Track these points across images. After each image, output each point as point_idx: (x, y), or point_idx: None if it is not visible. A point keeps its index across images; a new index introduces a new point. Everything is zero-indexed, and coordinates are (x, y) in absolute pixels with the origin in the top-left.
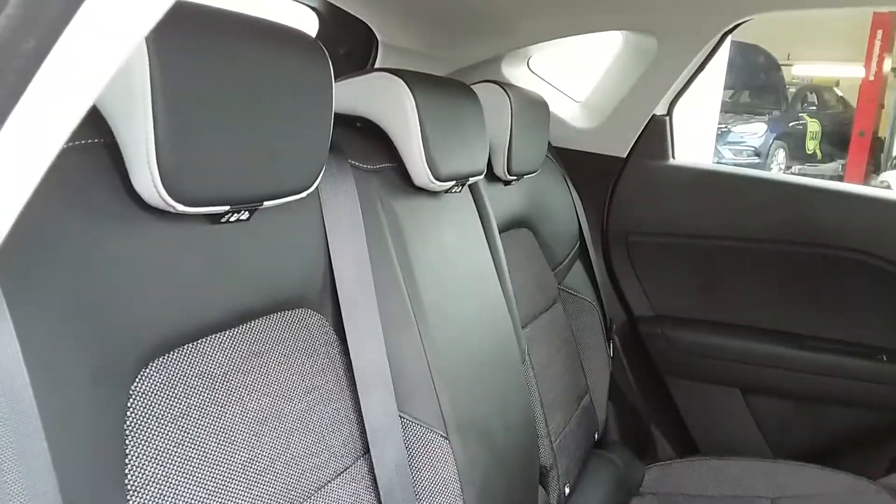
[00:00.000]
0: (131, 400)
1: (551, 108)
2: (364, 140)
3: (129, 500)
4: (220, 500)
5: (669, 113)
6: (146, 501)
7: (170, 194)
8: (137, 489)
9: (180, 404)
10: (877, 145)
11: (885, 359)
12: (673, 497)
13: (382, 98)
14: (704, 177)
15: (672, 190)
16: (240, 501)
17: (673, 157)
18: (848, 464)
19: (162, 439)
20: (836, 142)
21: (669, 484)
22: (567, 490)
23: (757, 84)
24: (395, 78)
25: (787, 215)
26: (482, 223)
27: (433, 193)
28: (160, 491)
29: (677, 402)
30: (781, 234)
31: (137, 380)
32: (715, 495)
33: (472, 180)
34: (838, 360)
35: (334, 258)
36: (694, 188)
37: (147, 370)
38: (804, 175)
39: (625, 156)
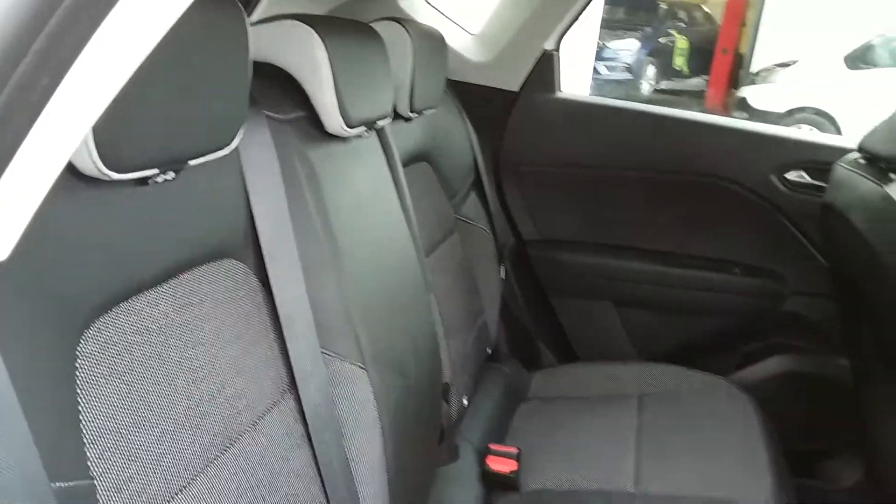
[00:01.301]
0: (78, 361)
1: (446, 41)
2: (276, 89)
3: (87, 454)
4: (167, 445)
5: (558, 47)
6: (102, 452)
7: (105, 164)
8: (93, 442)
9: (123, 361)
10: (738, 62)
11: (738, 272)
12: (555, 399)
13: (294, 47)
14: (589, 109)
15: (560, 122)
16: (184, 444)
17: (560, 90)
18: (705, 364)
19: (110, 395)
20: (703, 58)
21: (552, 388)
22: (465, 402)
23: (631, 1)
24: (307, 27)
25: (660, 145)
26: (388, 163)
27: (344, 139)
28: (113, 442)
29: (560, 316)
30: (655, 162)
31: (81, 342)
32: (590, 395)
33: (379, 124)
34: (699, 275)
35: (255, 209)
36: (579, 121)
37: (89, 331)
38: (671, 90)
39: (517, 90)
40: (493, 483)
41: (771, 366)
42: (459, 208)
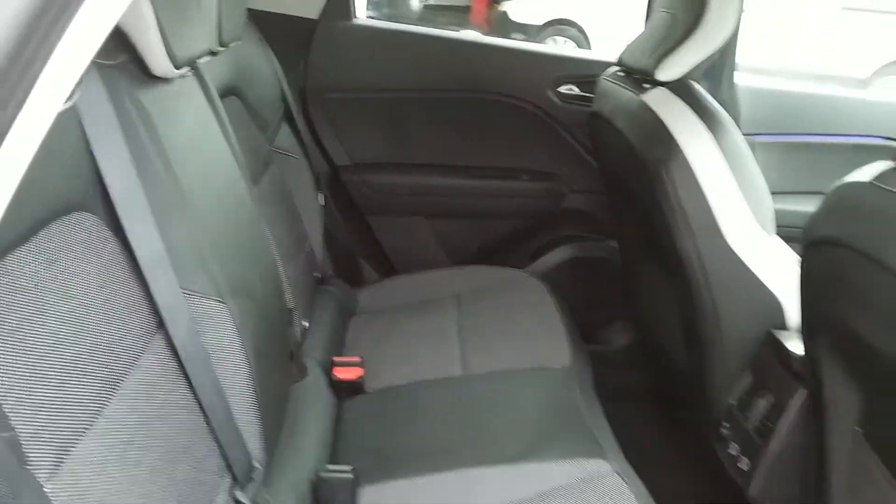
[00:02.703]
0: None
1: None
2: None
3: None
4: (63, 394)
5: None
6: (14, 406)
7: None
8: (4, 396)
9: (9, 320)
10: None
11: (525, 178)
12: (382, 310)
13: None
14: (385, 36)
15: (359, 49)
16: (79, 391)
17: (356, 17)
18: (505, 260)
19: (6, 353)
20: None
21: (378, 301)
22: (306, 324)
23: None
24: None
25: (451, 67)
26: (208, 100)
27: (169, 80)
28: (19, 395)
29: (378, 234)
30: (448, 83)
31: None
32: (414, 302)
33: (200, 61)
34: (493, 184)
35: (99, 159)
36: (377, 47)
37: None
38: (439, 6)
39: (317, 17)
40: (343, 390)
41: (558, 255)
42: (273, 140)
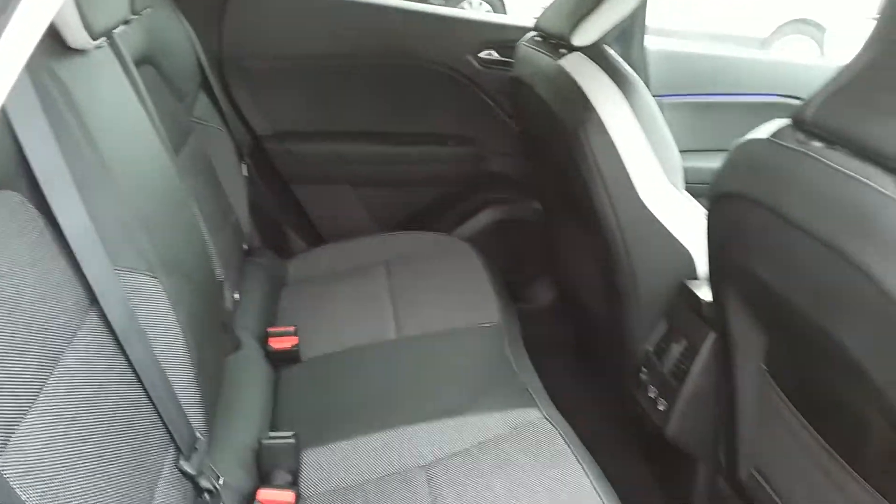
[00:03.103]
0: None
1: None
2: None
3: None
4: (3, 376)
5: None
6: None
7: None
8: None
9: None
10: None
11: (449, 144)
12: (313, 279)
13: None
14: (301, 2)
15: (277, 15)
16: (18, 373)
17: None
18: (432, 225)
19: None
20: None
21: (308, 270)
22: (236, 296)
23: None
24: None
25: (370, 34)
26: (125, 71)
27: (86, 52)
28: None
29: (304, 204)
30: (368, 49)
31: None
32: (344, 270)
33: (116, 31)
34: (417, 150)
35: (20, 136)
36: (294, 13)
37: None
38: None
39: None
40: (279, 359)
41: (483, 218)
42: (192, 110)
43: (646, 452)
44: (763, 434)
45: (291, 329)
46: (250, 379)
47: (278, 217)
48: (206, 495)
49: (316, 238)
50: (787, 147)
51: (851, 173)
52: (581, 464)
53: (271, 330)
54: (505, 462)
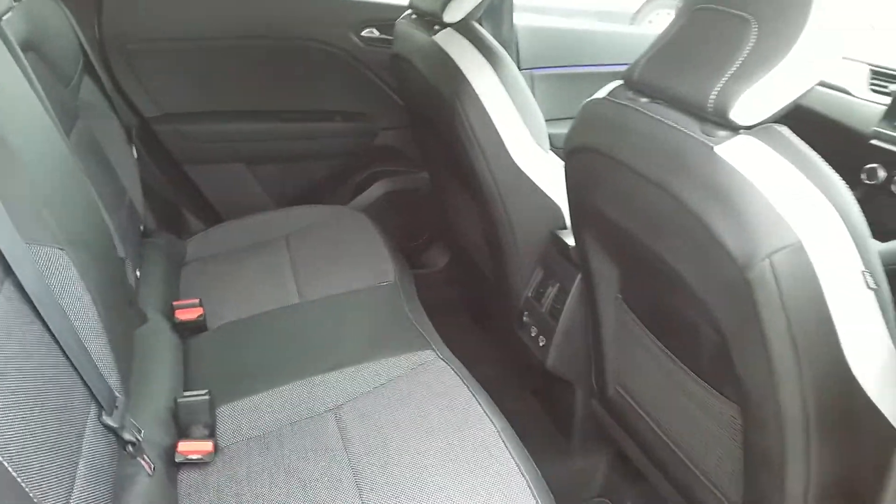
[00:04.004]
0: None
1: None
2: None
3: None
4: None
5: None
6: None
7: None
8: None
9: None
10: None
11: (338, 119)
12: (214, 256)
13: None
14: None
15: None
16: None
17: None
18: (327, 199)
19: None
20: None
21: (208, 248)
22: (138, 273)
23: None
24: None
25: (253, 13)
26: (13, 56)
27: None
28: None
29: (199, 184)
30: (252, 29)
31: None
32: (243, 246)
33: (5, 18)
34: (309, 126)
35: None
36: None
37: None
38: None
39: None
40: (186, 329)
41: (375, 190)
42: (77, 94)
43: (532, 386)
44: (623, 355)
45: (196, 301)
46: (160, 347)
47: (173, 198)
48: (130, 447)
49: (213, 218)
50: (620, 103)
51: (668, 121)
52: (473, 393)
53: (176, 303)
54: (404, 397)
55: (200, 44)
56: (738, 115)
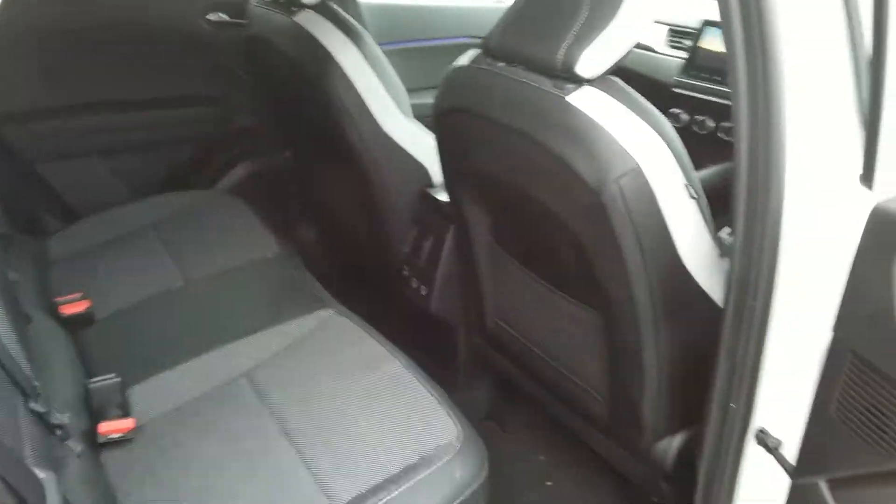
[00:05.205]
0: None
1: None
2: None
3: None
4: None
5: None
6: None
7: None
8: None
9: None
10: None
11: (195, 105)
12: (79, 253)
13: None
14: None
15: None
16: None
17: None
18: (193, 184)
19: None
20: None
21: (72, 246)
22: (16, 275)
23: None
24: None
25: (99, 5)
26: None
27: None
28: None
29: (53, 182)
30: (99, 19)
31: None
32: (111, 239)
33: None
34: (166, 112)
35: None
36: None
37: None
38: None
39: None
40: (73, 324)
41: (238, 172)
42: None
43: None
44: (499, 290)
45: (78, 294)
46: (52, 343)
47: (26, 199)
48: (59, 431)
49: (71, 215)
50: (482, 68)
51: (525, 80)
52: (375, 339)
53: (59, 299)
54: (313, 352)
55: (41, 37)
56: (581, 69)
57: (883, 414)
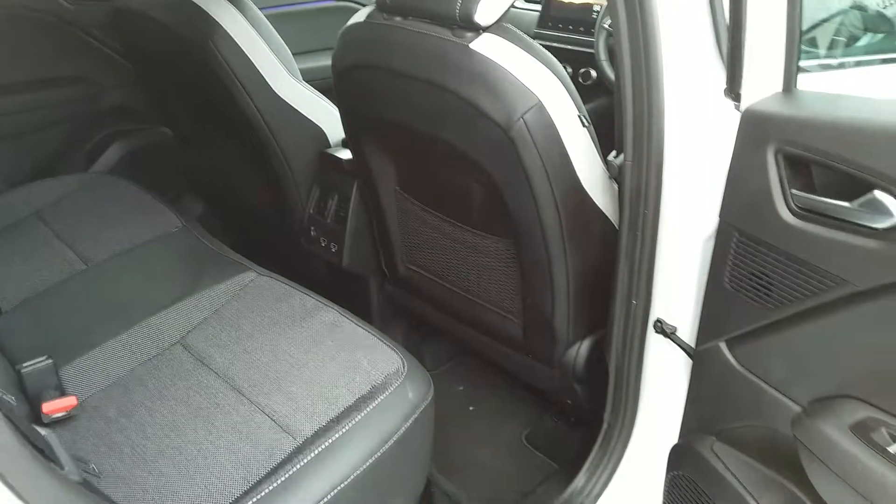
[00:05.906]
0: None
1: None
2: None
3: None
4: None
5: None
6: None
7: None
8: None
9: None
10: None
11: (60, 86)
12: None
13: None
14: None
15: None
16: None
17: None
18: (68, 168)
19: None
20: None
21: None
22: None
23: None
24: None
25: None
26: None
27: None
28: None
29: None
30: None
31: None
32: None
33: None
34: (28, 97)
35: None
36: None
37: None
38: None
39: None
40: None
41: (114, 152)
42: None
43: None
44: (408, 236)
45: None
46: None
47: None
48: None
49: None
50: (380, 23)
51: (426, 31)
52: (304, 292)
53: None
54: (244, 311)
55: None
56: (480, 18)
57: (766, 275)
